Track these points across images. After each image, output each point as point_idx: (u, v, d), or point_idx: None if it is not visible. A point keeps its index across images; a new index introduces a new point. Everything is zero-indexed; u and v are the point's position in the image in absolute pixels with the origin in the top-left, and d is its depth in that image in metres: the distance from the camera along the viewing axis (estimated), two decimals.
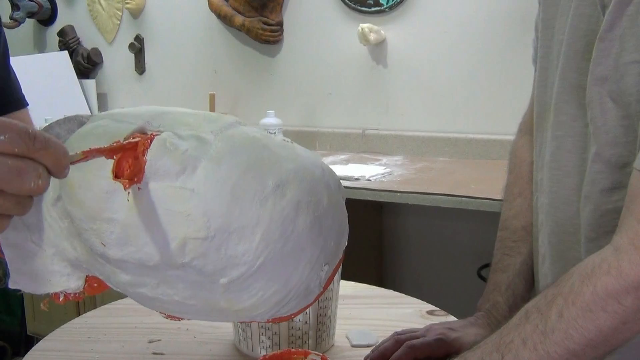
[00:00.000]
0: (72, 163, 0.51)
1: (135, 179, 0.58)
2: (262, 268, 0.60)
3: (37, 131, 0.46)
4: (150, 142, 0.59)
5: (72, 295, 0.70)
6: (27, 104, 1.11)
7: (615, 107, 0.71)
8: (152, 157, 0.59)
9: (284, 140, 0.68)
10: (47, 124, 0.73)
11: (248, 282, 0.61)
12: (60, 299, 0.70)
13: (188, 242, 0.59)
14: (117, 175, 0.58)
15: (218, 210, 0.58)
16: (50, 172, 0.48)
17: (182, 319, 0.70)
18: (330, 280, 0.68)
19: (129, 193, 0.58)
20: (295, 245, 0.61)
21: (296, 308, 0.66)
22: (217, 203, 0.58)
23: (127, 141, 0.59)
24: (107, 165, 0.58)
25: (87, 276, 0.69)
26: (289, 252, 0.61)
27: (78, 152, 0.52)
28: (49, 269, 0.68)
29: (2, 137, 0.44)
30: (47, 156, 0.47)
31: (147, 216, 0.59)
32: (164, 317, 0.70)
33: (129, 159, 0.59)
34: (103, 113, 0.69)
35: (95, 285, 0.69)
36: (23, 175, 0.46)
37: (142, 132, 0.61)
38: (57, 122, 0.72)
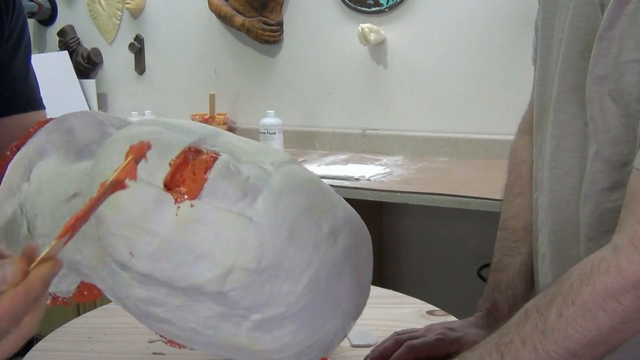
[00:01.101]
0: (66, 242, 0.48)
1: (190, 195, 0.56)
2: (300, 312, 0.58)
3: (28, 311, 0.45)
4: (214, 160, 0.58)
5: (60, 299, 0.68)
6: (44, 107, 1.09)
7: (615, 106, 0.71)
8: (214, 177, 0.57)
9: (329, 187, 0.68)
10: (63, 115, 0.71)
11: (281, 324, 0.59)
12: (48, 302, 0.66)
13: (234, 271, 0.56)
14: (169, 187, 0.56)
15: (273, 245, 0.57)
16: None
17: (184, 346, 0.66)
18: (338, 342, 0.66)
19: (179, 207, 0.56)
20: (337, 294, 0.61)
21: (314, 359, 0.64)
22: (273, 237, 0.57)
23: (188, 155, 0.57)
24: (160, 173, 0.57)
25: (81, 282, 0.66)
26: (330, 300, 0.60)
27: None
28: None
29: None
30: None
31: (194, 235, 0.56)
32: (165, 341, 0.67)
33: (186, 172, 0.57)
34: (149, 119, 0.66)
35: (86, 293, 0.67)
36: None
37: (197, 147, 0.60)
38: (73, 114, 0.71)
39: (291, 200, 0.58)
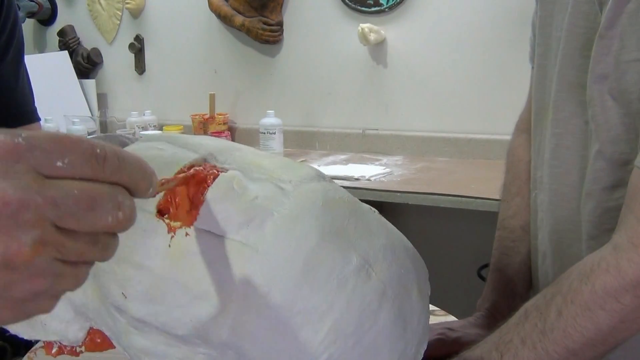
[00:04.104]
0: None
1: (185, 221, 0.47)
2: None
3: (107, 149, 0.34)
4: (214, 178, 0.48)
5: (67, 348, 0.57)
6: (39, 119, 0.96)
7: (616, 105, 0.71)
8: (213, 198, 0.47)
9: (371, 209, 0.58)
10: (115, 133, 0.65)
11: None
12: (53, 351, 0.57)
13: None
14: (161, 212, 0.47)
15: (283, 282, 0.46)
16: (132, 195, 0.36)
17: None
18: None
19: (172, 237, 0.46)
20: (371, 346, 0.49)
21: None
22: (284, 272, 0.46)
23: (187, 172, 0.47)
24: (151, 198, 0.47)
25: (90, 328, 0.56)
26: (361, 353, 0.48)
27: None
28: None
29: (59, 163, 0.32)
30: (125, 179, 0.35)
31: (190, 271, 0.46)
32: None
33: (182, 194, 0.47)
34: (160, 134, 0.58)
35: (99, 341, 0.56)
36: (96, 207, 0.33)
37: (201, 164, 0.50)
38: (97, 137, 0.63)
39: (310, 225, 0.48)
